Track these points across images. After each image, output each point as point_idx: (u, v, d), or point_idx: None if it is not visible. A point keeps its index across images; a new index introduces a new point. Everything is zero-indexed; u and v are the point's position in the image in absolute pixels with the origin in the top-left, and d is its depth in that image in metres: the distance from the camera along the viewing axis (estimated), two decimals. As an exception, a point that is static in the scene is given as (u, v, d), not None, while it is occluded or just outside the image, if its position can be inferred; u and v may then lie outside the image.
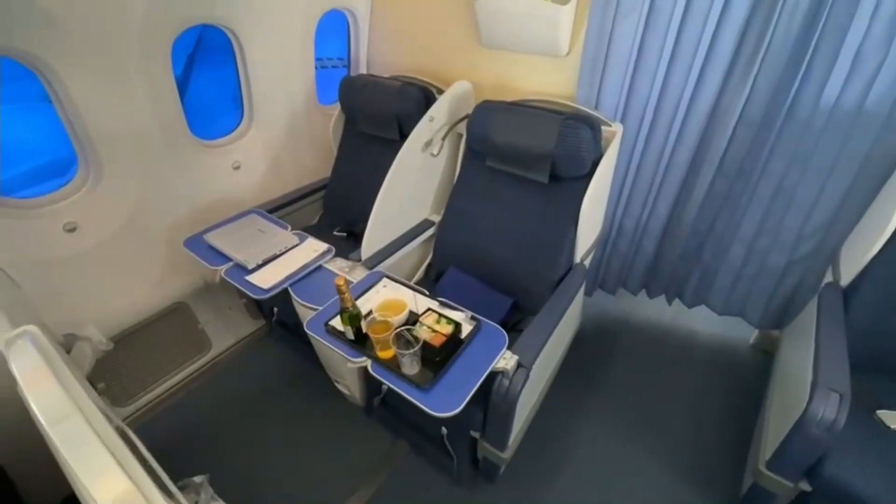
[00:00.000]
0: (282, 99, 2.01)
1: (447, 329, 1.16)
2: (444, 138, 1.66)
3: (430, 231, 1.81)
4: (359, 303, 1.30)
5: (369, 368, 1.13)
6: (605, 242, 2.04)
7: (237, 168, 1.95)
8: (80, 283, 1.58)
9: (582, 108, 1.61)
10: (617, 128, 1.54)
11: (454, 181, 1.74)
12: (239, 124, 1.96)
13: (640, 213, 1.91)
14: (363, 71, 2.27)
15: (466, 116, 1.60)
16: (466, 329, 1.21)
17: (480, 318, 1.25)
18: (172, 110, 1.66)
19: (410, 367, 1.09)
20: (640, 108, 1.64)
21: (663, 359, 2.00)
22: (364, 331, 1.16)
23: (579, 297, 1.75)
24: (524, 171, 1.53)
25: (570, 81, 1.68)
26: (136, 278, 1.74)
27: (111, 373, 1.75)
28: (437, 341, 1.12)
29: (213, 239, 1.61)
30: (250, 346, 2.12)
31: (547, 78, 1.76)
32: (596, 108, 1.67)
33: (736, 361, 1.98)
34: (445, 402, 1.03)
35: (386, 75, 2.00)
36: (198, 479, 0.90)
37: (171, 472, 0.88)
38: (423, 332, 1.14)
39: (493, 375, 1.15)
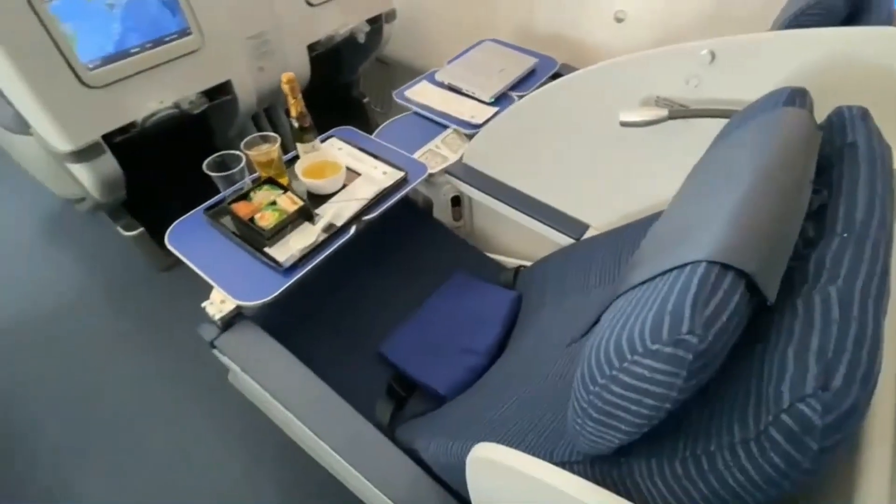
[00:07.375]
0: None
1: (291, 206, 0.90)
2: (662, 118, 0.72)
3: (567, 237, 1.04)
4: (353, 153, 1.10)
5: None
6: None
7: (620, 21, 1.51)
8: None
9: None
10: None
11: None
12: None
13: None
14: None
15: (728, 113, 0.61)
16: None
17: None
18: None
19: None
20: None
21: None
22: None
23: None
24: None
25: None
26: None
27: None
28: (271, 218, 0.88)
29: (446, 71, 1.38)
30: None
31: None
32: None
33: None
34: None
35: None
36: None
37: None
38: (285, 198, 0.92)
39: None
